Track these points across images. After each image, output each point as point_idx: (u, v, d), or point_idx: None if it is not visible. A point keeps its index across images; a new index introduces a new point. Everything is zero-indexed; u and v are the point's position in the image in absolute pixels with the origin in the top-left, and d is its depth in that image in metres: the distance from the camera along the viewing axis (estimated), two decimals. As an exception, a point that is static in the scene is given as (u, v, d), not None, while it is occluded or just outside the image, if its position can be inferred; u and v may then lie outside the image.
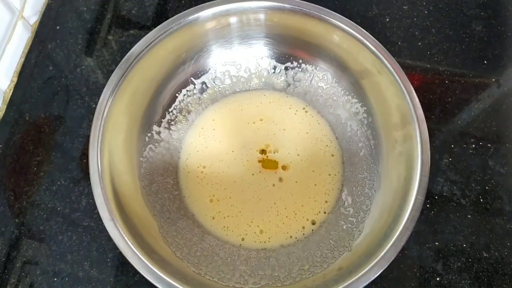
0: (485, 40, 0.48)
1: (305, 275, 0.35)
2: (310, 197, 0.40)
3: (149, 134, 0.40)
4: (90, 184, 0.32)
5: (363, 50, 0.37)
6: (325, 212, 0.39)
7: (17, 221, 0.39)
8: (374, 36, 0.37)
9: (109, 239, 0.31)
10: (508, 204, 0.41)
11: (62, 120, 0.44)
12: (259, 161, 0.41)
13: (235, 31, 0.41)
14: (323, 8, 0.38)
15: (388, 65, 0.36)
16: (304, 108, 0.44)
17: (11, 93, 0.45)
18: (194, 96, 0.43)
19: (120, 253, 0.31)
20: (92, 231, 0.39)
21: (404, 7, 0.50)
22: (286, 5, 0.38)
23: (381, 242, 0.32)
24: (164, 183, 0.40)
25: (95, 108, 0.34)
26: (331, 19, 0.37)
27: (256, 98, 0.44)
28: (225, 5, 0.38)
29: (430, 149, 0.34)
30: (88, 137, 0.41)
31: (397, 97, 0.36)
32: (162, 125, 0.41)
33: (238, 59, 0.43)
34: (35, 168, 0.41)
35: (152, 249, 0.32)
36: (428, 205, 0.40)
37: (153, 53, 0.37)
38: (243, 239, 0.38)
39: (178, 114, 0.42)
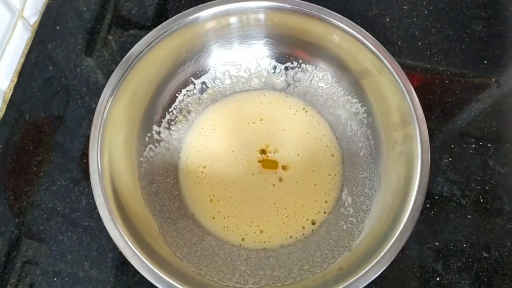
0: (485, 40, 0.48)
1: (305, 275, 0.35)
2: (310, 197, 0.40)
3: (149, 134, 0.40)
4: (90, 184, 0.32)
5: (363, 50, 0.37)
6: (325, 212, 0.39)
7: (17, 221, 0.39)
8: (374, 36, 0.37)
9: (109, 239, 0.31)
10: (508, 204, 0.41)
11: (62, 120, 0.44)
12: (259, 161, 0.41)
13: (235, 31, 0.41)
14: (323, 8, 0.38)
15: (388, 65, 0.36)
16: (304, 108, 0.44)
17: (11, 93, 0.45)
18: (194, 96, 0.43)
19: (120, 253, 0.31)
20: (92, 231, 0.39)
21: (404, 7, 0.50)
22: (286, 5, 0.38)
23: (381, 242, 0.32)
24: (164, 183, 0.40)
25: (95, 108, 0.34)
26: (331, 19, 0.37)
27: (256, 98, 0.44)
28: (225, 5, 0.38)
29: (430, 149, 0.34)
30: (88, 137, 0.41)
31: (397, 97, 0.36)
32: (162, 125, 0.41)
33: (238, 59, 0.43)
34: (35, 168, 0.41)
35: (152, 249, 0.32)
36: (428, 205, 0.40)
37: (153, 53, 0.37)
38: (243, 239, 0.38)
39: (178, 114, 0.42)
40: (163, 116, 0.41)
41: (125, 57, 0.36)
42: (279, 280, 0.35)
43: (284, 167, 0.41)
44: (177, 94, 0.42)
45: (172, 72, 0.41)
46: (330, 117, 0.43)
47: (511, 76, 0.46)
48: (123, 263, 0.38)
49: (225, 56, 0.42)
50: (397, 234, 0.31)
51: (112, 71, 0.35)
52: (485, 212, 0.40)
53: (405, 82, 0.35)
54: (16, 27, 0.45)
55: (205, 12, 0.38)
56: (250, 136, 0.42)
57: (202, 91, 0.43)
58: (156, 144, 0.40)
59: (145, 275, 0.30)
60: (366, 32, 0.37)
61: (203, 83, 0.43)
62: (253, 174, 0.41)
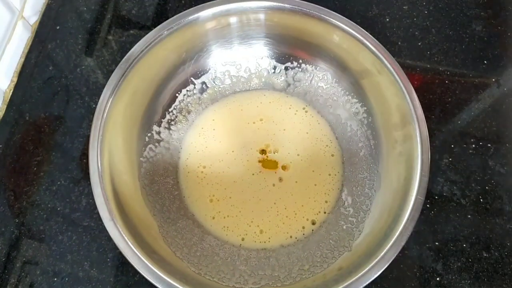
0: (485, 40, 0.48)
1: (305, 275, 0.35)
2: (310, 197, 0.40)
3: (149, 134, 0.40)
4: (90, 184, 0.32)
5: (363, 50, 0.37)
6: (325, 212, 0.39)
7: (17, 221, 0.39)
8: (374, 36, 0.37)
9: (109, 239, 0.31)
10: (508, 204, 0.41)
11: (62, 120, 0.44)
12: (259, 161, 0.41)
13: (235, 31, 0.41)
14: (323, 8, 0.38)
15: (388, 65, 0.36)
16: (304, 108, 0.44)
17: (11, 93, 0.45)
18: (194, 96, 0.43)
19: (120, 253, 0.31)
20: (92, 231, 0.39)
21: (404, 7, 0.50)
22: (286, 5, 0.38)
23: (381, 242, 0.32)
24: (164, 183, 0.40)
25: (95, 108, 0.34)
26: (331, 19, 0.37)
27: (256, 98, 0.44)
28: (225, 5, 0.38)
29: (430, 149, 0.34)
30: (88, 137, 0.41)
31: (397, 97, 0.36)
32: (162, 125, 0.41)
33: (238, 59, 0.43)
34: (35, 168, 0.41)
35: (152, 249, 0.32)
36: (428, 205, 0.40)
37: (153, 53, 0.37)
38: (243, 239, 0.38)
39: (178, 114, 0.42)
40: (163, 116, 0.41)
41: (125, 57, 0.36)
42: (279, 280, 0.35)
43: (284, 167, 0.41)
44: (177, 94, 0.42)
45: (172, 72, 0.41)
46: (330, 117, 0.43)
47: (511, 76, 0.46)
48: (123, 263, 0.38)
49: (225, 56, 0.42)
50: (397, 234, 0.31)
51: (112, 71, 0.35)
52: (485, 212, 0.40)
53: (405, 82, 0.35)
54: (16, 27, 0.45)
55: (205, 12, 0.38)
56: (250, 136, 0.42)
57: (202, 91, 0.43)
58: (156, 144, 0.40)
59: (145, 275, 0.30)
60: (366, 32, 0.37)
61: (203, 83, 0.43)
62: (253, 174, 0.41)
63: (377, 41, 0.37)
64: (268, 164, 0.41)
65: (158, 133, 0.41)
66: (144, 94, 0.39)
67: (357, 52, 0.38)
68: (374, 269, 0.30)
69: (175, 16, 0.37)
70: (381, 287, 0.38)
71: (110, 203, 0.32)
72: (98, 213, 0.31)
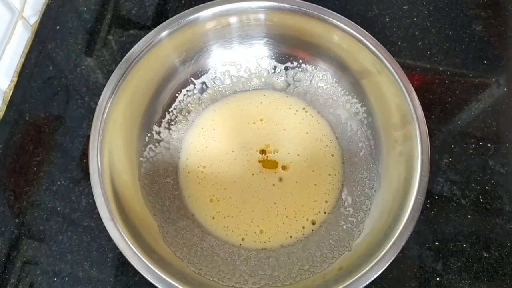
0: (485, 40, 0.48)
1: (305, 275, 0.35)
2: (310, 197, 0.40)
3: (149, 134, 0.40)
4: (90, 184, 0.32)
5: (363, 50, 0.37)
6: (325, 212, 0.39)
7: (17, 221, 0.39)
8: (374, 36, 0.37)
9: (109, 239, 0.31)
10: (508, 204, 0.41)
11: (62, 120, 0.44)
12: (259, 161, 0.41)
13: (235, 31, 0.41)
14: (323, 8, 0.38)
15: (388, 65, 0.36)
16: (304, 108, 0.44)
17: (11, 93, 0.45)
18: (194, 96, 0.43)
19: (120, 253, 0.31)
20: (92, 231, 0.39)
21: (404, 7, 0.50)
22: (286, 5, 0.38)
23: (381, 242, 0.32)
24: (164, 183, 0.40)
25: (95, 108, 0.34)
26: (331, 19, 0.37)
27: (256, 98, 0.44)
28: (225, 5, 0.38)
29: (430, 149, 0.34)
30: (88, 137, 0.41)
31: (397, 97, 0.36)
32: (162, 125, 0.41)
33: (238, 59, 0.43)
34: (35, 168, 0.41)
35: (152, 249, 0.32)
36: (428, 205, 0.40)
37: (153, 53, 0.37)
38: (243, 239, 0.38)
39: (178, 114, 0.42)
40: (163, 116, 0.41)
41: (125, 57, 0.36)
42: (279, 280, 0.35)
43: (284, 167, 0.41)
44: (177, 94, 0.42)
45: (172, 72, 0.41)
46: (330, 117, 0.43)
47: (511, 76, 0.46)
48: (123, 263, 0.38)
49: (225, 56, 0.42)
50: (397, 234, 0.31)
51: (112, 71, 0.35)
52: (485, 212, 0.40)
53: (405, 82, 0.35)
54: (16, 27, 0.45)
55: (205, 12, 0.38)
56: (250, 136, 0.42)
57: (202, 91, 0.43)
58: (156, 144, 0.40)
59: (145, 275, 0.30)
60: (366, 32, 0.37)
61: (203, 83, 0.43)
62: (253, 174, 0.41)
63: (377, 41, 0.37)
64: (268, 164, 0.41)
65: (158, 133, 0.41)
66: (144, 94, 0.39)
67: (357, 52, 0.38)
68: (374, 269, 0.30)
69: (175, 16, 0.37)
70: (381, 287, 0.38)
71: (110, 203, 0.32)
72: (98, 213, 0.31)
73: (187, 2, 0.49)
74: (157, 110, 0.41)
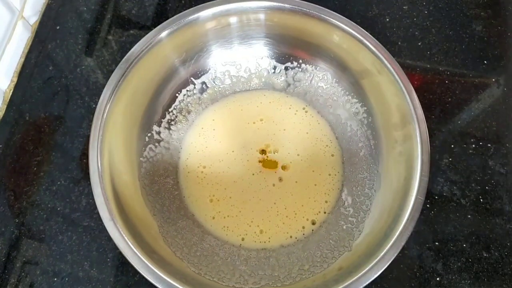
0: (485, 40, 0.48)
1: (305, 275, 0.35)
2: (310, 197, 0.40)
3: (149, 134, 0.40)
4: (90, 184, 0.32)
5: (363, 50, 0.37)
6: (325, 212, 0.39)
7: (17, 221, 0.39)
8: (374, 36, 0.37)
9: (109, 239, 0.31)
10: (508, 204, 0.41)
11: (62, 120, 0.44)
12: (259, 161, 0.41)
13: (235, 31, 0.41)
14: (323, 8, 0.38)
15: (388, 65, 0.36)
16: (304, 108, 0.44)
17: (11, 93, 0.45)
18: (194, 96, 0.43)
19: (120, 253, 0.31)
20: (92, 231, 0.39)
21: (404, 7, 0.50)
22: (286, 5, 0.38)
23: (381, 242, 0.32)
24: (164, 183, 0.40)
25: (95, 108, 0.34)
26: (331, 19, 0.37)
27: (256, 98, 0.44)
28: (225, 5, 0.38)
29: (430, 149, 0.34)
30: (88, 137, 0.41)
31: (397, 97, 0.36)
32: (162, 125, 0.41)
33: (238, 59, 0.43)
34: (35, 168, 0.41)
35: (152, 249, 0.32)
36: (428, 205, 0.40)
37: (153, 53, 0.37)
38: (243, 239, 0.38)
39: (178, 114, 0.42)
40: (163, 116, 0.41)
41: (125, 57, 0.36)
42: (279, 280, 0.35)
43: (284, 167, 0.41)
44: (177, 94, 0.42)
45: (172, 72, 0.41)
46: (330, 117, 0.43)
47: (511, 76, 0.46)
48: (123, 263, 0.38)
49: (225, 56, 0.42)
50: (397, 234, 0.31)
51: (112, 71, 0.35)
52: (485, 212, 0.40)
53: (405, 82, 0.35)
54: (16, 27, 0.45)
55: (205, 12, 0.38)
56: (250, 136, 0.42)
57: (202, 91, 0.43)
58: (156, 144, 0.40)
59: (145, 275, 0.30)
60: (366, 32, 0.37)
61: (203, 83, 0.43)
62: (253, 174, 0.41)
63: (377, 41, 0.37)
64: (268, 164, 0.41)
65: (158, 133, 0.41)
66: (144, 94, 0.39)
67: (357, 52, 0.38)
68: (374, 269, 0.30)
69: (175, 16, 0.37)
70: (381, 287, 0.38)
71: (110, 203, 0.32)
72: (98, 213, 0.31)
73: (187, 2, 0.49)
74: (157, 110, 0.41)
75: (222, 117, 0.43)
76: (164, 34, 0.37)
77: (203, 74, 0.43)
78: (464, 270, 0.38)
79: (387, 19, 0.49)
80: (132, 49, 0.36)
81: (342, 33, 0.38)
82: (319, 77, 0.42)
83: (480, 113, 0.44)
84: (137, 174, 0.37)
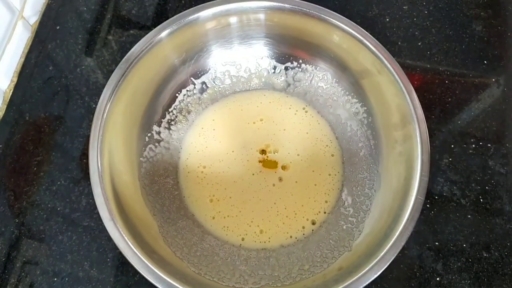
0: (485, 40, 0.48)
1: (305, 275, 0.35)
2: (310, 197, 0.40)
3: (149, 134, 0.40)
4: (90, 184, 0.32)
5: (363, 50, 0.37)
6: (325, 212, 0.39)
7: (17, 221, 0.39)
8: (374, 36, 0.37)
9: (109, 239, 0.31)
10: (508, 204, 0.41)
11: (62, 120, 0.44)
12: (259, 161, 0.41)
13: (235, 31, 0.41)
14: (323, 8, 0.38)
15: (388, 65, 0.36)
16: (304, 108, 0.44)
17: (11, 93, 0.45)
18: (194, 96, 0.43)
19: (120, 253, 0.31)
20: (92, 231, 0.39)
21: (404, 7, 0.50)
22: (286, 5, 0.38)
23: (381, 242, 0.32)
24: (164, 183, 0.40)
25: (95, 108, 0.34)
26: (331, 19, 0.37)
27: (256, 98, 0.44)
28: (225, 5, 0.38)
29: (430, 149, 0.34)
30: (88, 137, 0.41)
31: (397, 97, 0.36)
32: (162, 125, 0.41)
33: (238, 59, 0.43)
34: (35, 168, 0.41)
35: (152, 249, 0.32)
36: (428, 205, 0.40)
37: (153, 53, 0.37)
38: (243, 239, 0.38)
39: (178, 114, 0.42)
40: (163, 116, 0.41)
41: (125, 57, 0.36)
42: (279, 280, 0.35)
43: (284, 167, 0.41)
44: (177, 94, 0.42)
45: (172, 72, 0.41)
46: (330, 117, 0.43)
47: (511, 76, 0.46)
48: (123, 263, 0.38)
49: (225, 56, 0.42)
50: (397, 234, 0.31)
51: (112, 71, 0.35)
52: (485, 212, 0.40)
53: (405, 82, 0.35)
54: (16, 27, 0.45)
55: (205, 12, 0.38)
56: (250, 136, 0.42)
57: (202, 91, 0.43)
58: (156, 144, 0.40)
59: (145, 275, 0.30)
60: (366, 32, 0.37)
61: (203, 83, 0.43)
62: (253, 174, 0.41)
63: (377, 41, 0.37)
64: (268, 164, 0.41)
65: (158, 133, 0.41)
66: (144, 94, 0.39)
67: (357, 52, 0.38)
68: (374, 269, 0.30)
69: (175, 16, 0.37)
70: (381, 287, 0.38)
71: (110, 203, 0.32)
72: (98, 213, 0.31)
73: (187, 2, 0.49)
74: (157, 110, 0.41)
75: (222, 117, 0.43)
76: (164, 34, 0.37)
77: (203, 74, 0.43)
78: (464, 270, 0.38)
79: (387, 19, 0.49)
80: (132, 49, 0.36)
81: (342, 33, 0.38)
82: (319, 77, 0.42)
83: (480, 113, 0.44)
84: (137, 174, 0.37)
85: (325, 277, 0.33)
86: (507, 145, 0.43)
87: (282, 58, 0.43)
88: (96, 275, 0.38)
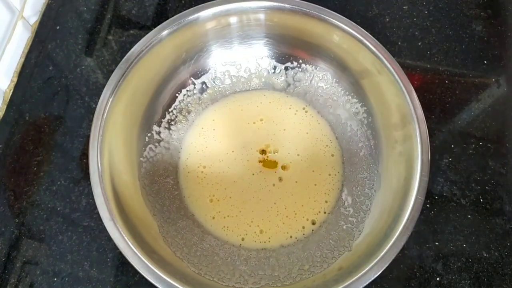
0: (485, 40, 0.48)
1: (305, 275, 0.35)
2: (310, 197, 0.40)
3: (149, 134, 0.40)
4: (90, 184, 0.32)
5: (363, 50, 0.37)
6: (325, 212, 0.39)
7: (17, 221, 0.39)
8: (374, 36, 0.37)
9: (109, 239, 0.31)
10: (508, 204, 0.41)
11: (62, 120, 0.44)
12: (259, 161, 0.41)
13: (235, 31, 0.41)
14: (323, 8, 0.38)
15: (388, 65, 0.36)
16: (304, 108, 0.44)
17: (11, 93, 0.45)
18: (194, 96, 0.43)
19: (120, 253, 0.31)
20: (92, 231, 0.39)
21: (404, 7, 0.50)
22: (286, 5, 0.38)
23: (381, 242, 0.32)
24: (164, 183, 0.40)
25: (95, 108, 0.34)
26: (331, 19, 0.37)
27: (256, 98, 0.44)
28: (225, 5, 0.38)
29: (430, 149, 0.34)
30: (88, 137, 0.41)
31: (397, 97, 0.36)
32: (162, 125, 0.41)
33: (238, 59, 0.43)
34: (35, 168, 0.41)
35: (152, 249, 0.32)
36: (428, 205, 0.40)
37: (153, 53, 0.37)
38: (243, 239, 0.38)
39: (178, 114, 0.42)
40: (163, 116, 0.41)
41: (125, 57, 0.36)
42: (279, 280, 0.35)
43: (284, 167, 0.41)
44: (177, 94, 0.42)
45: (172, 72, 0.41)
46: (330, 117, 0.43)
47: (511, 76, 0.46)
48: (123, 263, 0.38)
49: (225, 56, 0.42)
50: (397, 234, 0.31)
51: (112, 71, 0.35)
52: (485, 212, 0.40)
53: (405, 82, 0.35)
54: (16, 27, 0.45)
55: (205, 12, 0.38)
56: (250, 136, 0.42)
57: (202, 91, 0.43)
58: (156, 144, 0.40)
59: (145, 275, 0.30)
60: (366, 32, 0.37)
61: (203, 83, 0.43)
62: (253, 174, 0.41)
63: (377, 41, 0.37)
64: (268, 164, 0.41)
65: (158, 133, 0.41)
66: (144, 94, 0.39)
67: (357, 52, 0.38)
68: (374, 269, 0.30)
69: (175, 16, 0.37)
70: (381, 287, 0.38)
71: (110, 203, 0.32)
72: (98, 213, 0.31)
73: (187, 2, 0.49)
74: (157, 110, 0.41)
75: (222, 117, 0.43)
76: (164, 34, 0.37)
77: (203, 74, 0.43)
78: (464, 270, 0.38)
79: (387, 19, 0.49)
80: (132, 49, 0.36)
81: (342, 33, 0.38)
82: (319, 77, 0.42)
83: (480, 113, 0.44)
84: (137, 174, 0.37)
85: (325, 277, 0.33)
86: (507, 145, 0.43)
87: (282, 58, 0.43)
88: (96, 275, 0.38)
